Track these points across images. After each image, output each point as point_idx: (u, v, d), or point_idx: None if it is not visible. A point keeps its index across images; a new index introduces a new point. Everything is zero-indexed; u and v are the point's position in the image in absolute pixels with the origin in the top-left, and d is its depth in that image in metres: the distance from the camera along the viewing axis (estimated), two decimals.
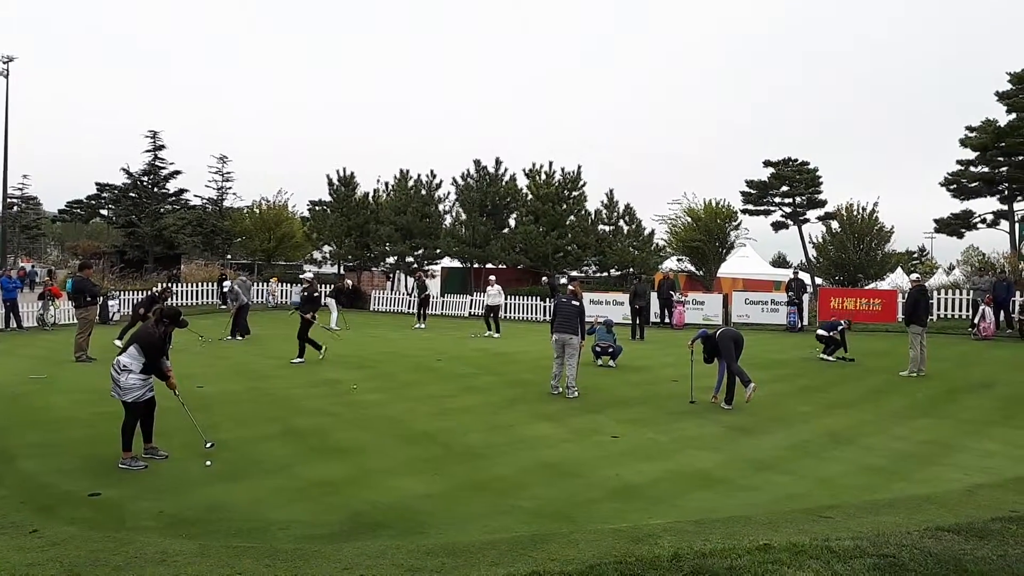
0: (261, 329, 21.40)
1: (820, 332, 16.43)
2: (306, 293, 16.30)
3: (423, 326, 23.84)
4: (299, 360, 15.04)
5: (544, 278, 28.28)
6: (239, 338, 19.35)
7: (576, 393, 11.59)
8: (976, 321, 19.94)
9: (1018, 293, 21.03)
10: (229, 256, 40.26)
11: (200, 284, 30.09)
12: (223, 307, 21.83)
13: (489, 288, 22.74)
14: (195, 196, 40.41)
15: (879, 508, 6.16)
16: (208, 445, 7.95)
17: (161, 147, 38.77)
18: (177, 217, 38.83)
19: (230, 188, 40.15)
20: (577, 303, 11.90)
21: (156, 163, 38.97)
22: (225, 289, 22.11)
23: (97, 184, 52.06)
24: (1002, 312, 20.35)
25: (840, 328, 16.20)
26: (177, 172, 39.46)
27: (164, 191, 39.68)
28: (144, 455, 7.56)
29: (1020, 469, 7.67)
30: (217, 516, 5.92)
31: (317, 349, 15.41)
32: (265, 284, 32.33)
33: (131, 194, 39.33)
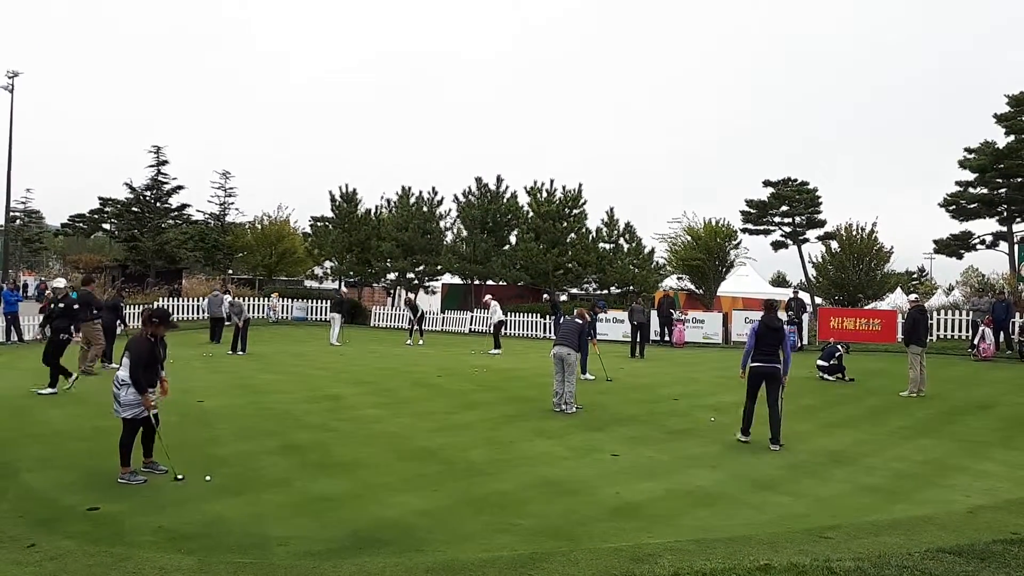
0: (262, 345, 21.40)
1: (820, 363, 16.43)
2: (62, 305, 12.79)
3: (422, 343, 23.90)
4: (50, 391, 12.06)
5: (545, 295, 28.35)
6: (240, 352, 19.40)
7: (574, 409, 11.59)
8: (976, 342, 19.94)
9: (1017, 314, 21.04)
10: (231, 271, 40.35)
11: (200, 298, 30.18)
12: (227, 323, 21.88)
13: (492, 305, 22.84)
14: (197, 211, 40.67)
15: (880, 529, 6.14)
16: (207, 478, 7.49)
17: (164, 162, 38.91)
18: (179, 232, 38.97)
19: (232, 203, 40.37)
20: (580, 321, 12.26)
21: (159, 178, 39.11)
22: (226, 303, 22.18)
23: (100, 198, 52.45)
24: (1002, 333, 20.35)
25: (838, 355, 16.20)
26: (180, 187, 39.61)
27: (167, 206, 39.78)
28: (143, 469, 7.54)
29: (1021, 491, 7.64)
30: (216, 531, 5.90)
31: (66, 377, 12.43)
32: (266, 299, 32.40)
33: (134, 208, 39.43)
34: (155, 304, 28.42)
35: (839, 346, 16.58)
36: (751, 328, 9.98)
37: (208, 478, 7.41)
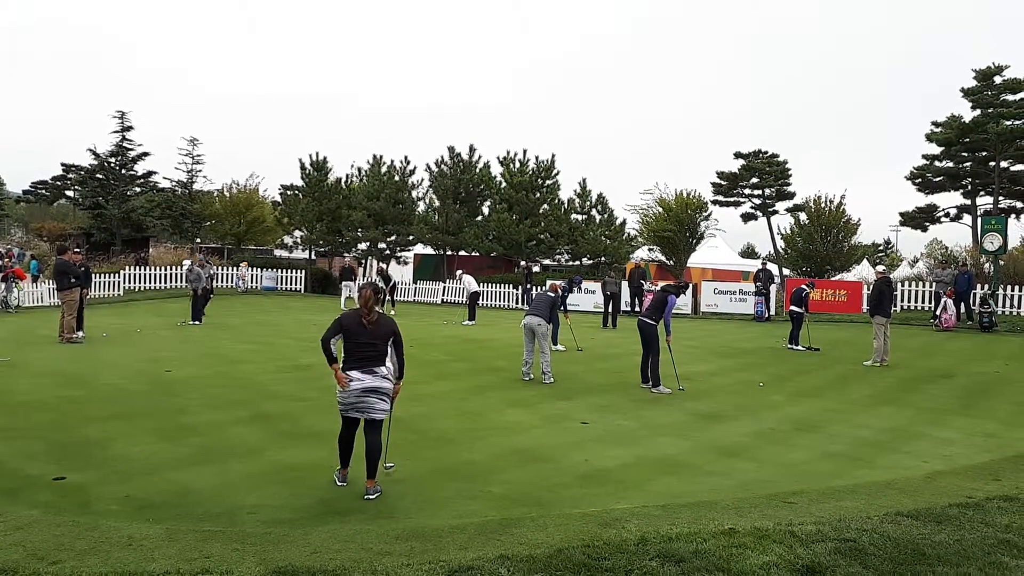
0: (231, 315, 21.17)
1: (793, 309, 16.66)
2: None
3: (394, 313, 23.79)
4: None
5: (523, 263, 28.38)
6: (196, 323, 18.96)
7: (552, 379, 11.67)
8: (938, 313, 20.38)
9: (979, 286, 21.51)
10: (199, 240, 39.68)
11: (168, 267, 29.68)
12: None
13: (465, 278, 22.80)
14: (164, 178, 39.70)
15: (841, 494, 6.29)
16: (388, 466, 6.78)
17: (129, 128, 38.03)
18: (145, 199, 38.10)
19: (200, 171, 39.46)
20: (553, 294, 12.52)
21: (124, 144, 38.20)
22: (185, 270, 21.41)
23: (63, 165, 51.09)
24: (963, 304, 20.81)
25: (805, 294, 16.64)
26: (145, 154, 38.79)
27: (132, 173, 38.93)
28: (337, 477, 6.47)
29: (978, 457, 7.87)
30: (185, 500, 5.87)
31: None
32: (235, 268, 31.97)
33: (98, 175, 38.55)
34: (124, 272, 27.92)
35: (805, 286, 16.97)
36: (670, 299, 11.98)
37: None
